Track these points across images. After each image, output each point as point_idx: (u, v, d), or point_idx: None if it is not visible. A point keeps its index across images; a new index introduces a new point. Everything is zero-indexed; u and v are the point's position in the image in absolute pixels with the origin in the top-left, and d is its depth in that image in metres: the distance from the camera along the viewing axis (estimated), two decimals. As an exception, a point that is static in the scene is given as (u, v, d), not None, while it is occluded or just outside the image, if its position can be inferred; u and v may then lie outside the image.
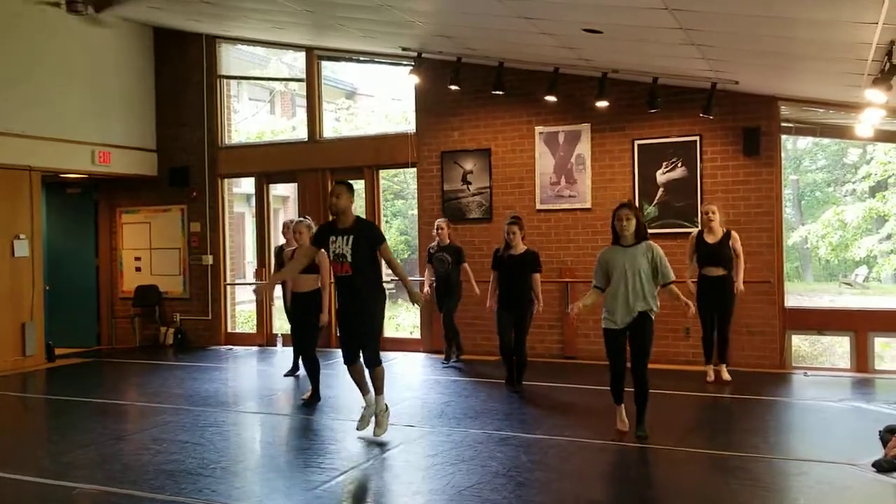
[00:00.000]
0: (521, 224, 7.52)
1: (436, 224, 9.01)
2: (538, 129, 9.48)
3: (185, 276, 11.51)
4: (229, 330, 11.50)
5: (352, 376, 5.89)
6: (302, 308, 7.30)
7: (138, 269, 11.71)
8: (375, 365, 5.78)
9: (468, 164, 9.81)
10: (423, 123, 10.10)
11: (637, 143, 9.04)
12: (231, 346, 11.07)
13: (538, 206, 9.49)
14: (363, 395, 5.92)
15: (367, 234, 5.69)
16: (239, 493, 4.79)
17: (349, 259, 5.59)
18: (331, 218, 5.87)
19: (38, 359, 9.90)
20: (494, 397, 7.36)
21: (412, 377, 8.59)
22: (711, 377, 7.70)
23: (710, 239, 7.58)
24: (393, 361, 9.49)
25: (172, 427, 6.47)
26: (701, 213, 7.88)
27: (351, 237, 5.62)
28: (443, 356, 9.23)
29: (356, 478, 5.08)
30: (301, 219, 7.57)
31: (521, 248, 7.39)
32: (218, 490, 4.81)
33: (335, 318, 6.41)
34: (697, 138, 8.77)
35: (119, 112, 11.00)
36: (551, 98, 8.86)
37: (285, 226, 8.57)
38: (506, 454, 5.43)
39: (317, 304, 7.22)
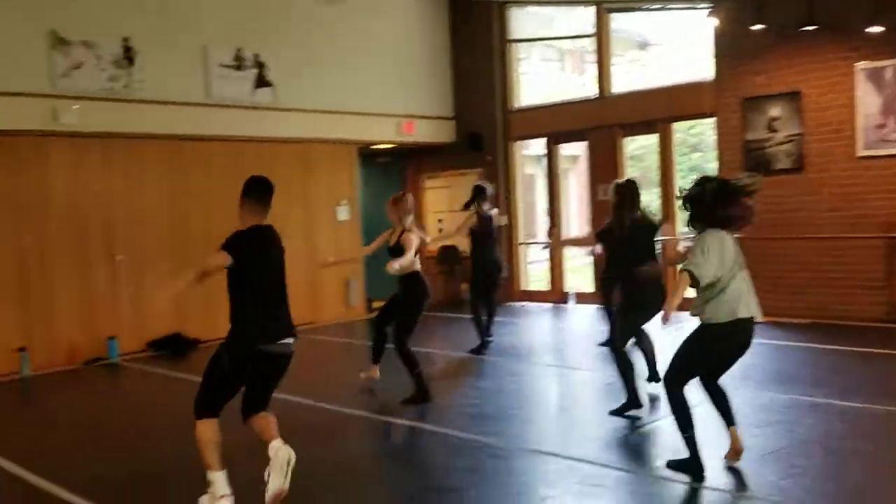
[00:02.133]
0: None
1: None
2: (859, 65, 8.38)
3: (482, 236, 12.09)
4: (523, 287, 11.91)
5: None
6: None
7: (440, 231, 12.56)
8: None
9: (774, 111, 9.01)
10: (723, 69, 9.45)
11: None
12: (525, 303, 11.46)
13: (859, 153, 8.44)
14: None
15: None
16: (536, 438, 5.01)
17: None
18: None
19: (360, 310, 11.12)
20: (805, 363, 6.81)
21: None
22: None
23: None
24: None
25: (473, 375, 6.90)
26: None
27: None
28: None
29: (651, 432, 5.02)
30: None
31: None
32: (516, 433, 5.06)
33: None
34: None
35: (420, 83, 11.80)
36: (875, 29, 7.78)
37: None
38: (816, 420, 5.00)
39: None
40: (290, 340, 4.13)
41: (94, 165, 8.61)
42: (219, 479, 3.95)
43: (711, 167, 10.46)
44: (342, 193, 10.96)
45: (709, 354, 4.23)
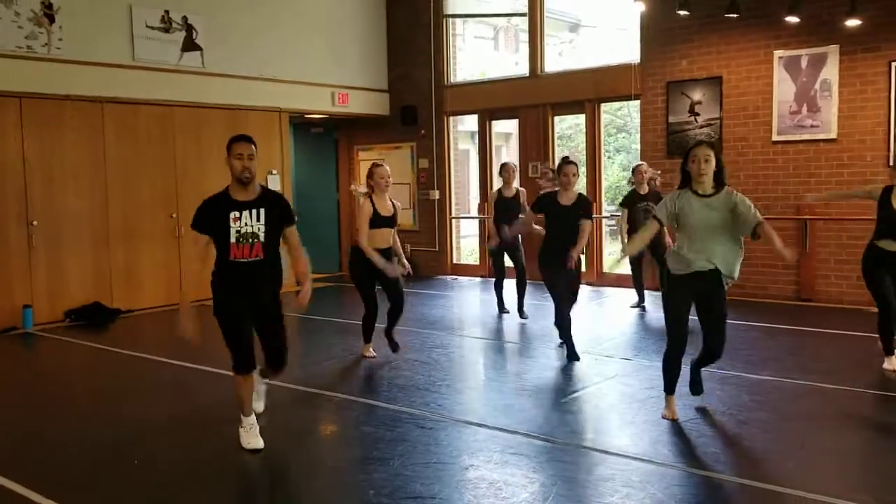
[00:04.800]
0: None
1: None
2: (777, 53, 8.74)
3: (414, 209, 12.18)
4: (454, 261, 12.05)
5: (242, 391, 4.45)
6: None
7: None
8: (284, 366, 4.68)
9: (696, 95, 9.32)
10: (649, 53, 9.70)
11: (895, 64, 8.06)
12: (456, 277, 11.61)
13: (774, 138, 8.83)
14: (250, 413, 4.51)
15: (281, 209, 4.37)
16: (462, 409, 5.13)
17: (262, 239, 4.24)
18: (235, 188, 4.30)
19: (290, 282, 11.01)
20: (718, 336, 7.13)
21: (632, 312, 8.50)
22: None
23: None
24: (608, 298, 9.47)
25: (405, 347, 6.99)
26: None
27: (262, 211, 4.26)
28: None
29: (571, 403, 5.21)
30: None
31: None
32: (443, 405, 5.17)
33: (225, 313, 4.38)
34: (973, 56, 7.65)
35: (355, 55, 11.70)
36: (793, 18, 8.12)
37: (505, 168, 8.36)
38: (726, 392, 5.28)
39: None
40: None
41: (9, 126, 8.27)
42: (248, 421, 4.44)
43: (636, 149, 10.74)
44: (273, 162, 10.82)
45: None
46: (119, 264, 9.15)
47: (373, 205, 6.22)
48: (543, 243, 6.32)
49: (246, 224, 4.22)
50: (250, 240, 4.22)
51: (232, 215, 4.20)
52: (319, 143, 12.93)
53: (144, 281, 9.37)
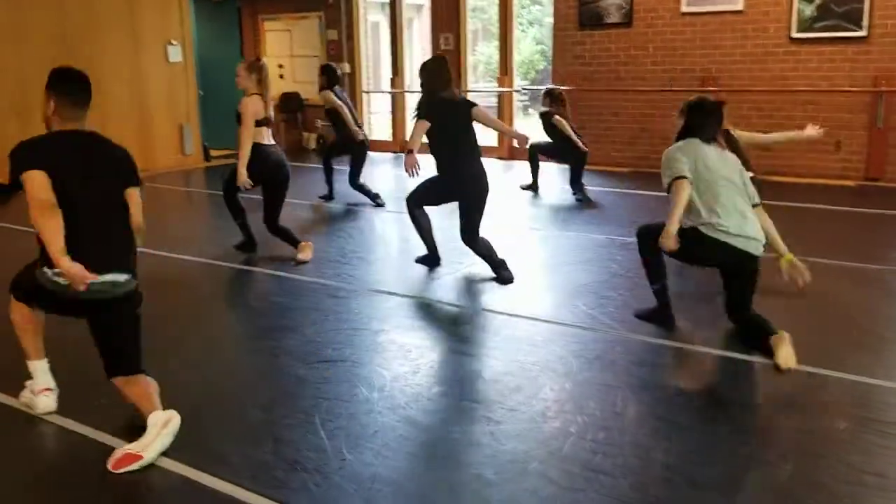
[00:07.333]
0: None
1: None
2: (688, -79, 8.66)
3: (324, 83, 11.81)
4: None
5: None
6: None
7: (281, 77, 12.13)
8: None
9: (609, -36, 9.20)
10: (563, -81, 9.44)
11: (801, -66, 8.14)
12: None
13: (683, 9, 8.88)
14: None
15: None
16: (373, 279, 5.23)
17: None
18: None
19: (197, 158, 10.73)
20: (622, 207, 7.40)
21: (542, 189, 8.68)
22: None
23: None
24: (515, 171, 9.61)
25: (315, 220, 6.99)
26: None
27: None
28: None
29: (478, 273, 5.37)
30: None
31: None
32: (355, 275, 5.26)
33: None
34: (874, -73, 7.78)
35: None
36: None
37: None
38: (626, 258, 5.53)
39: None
40: (113, 277, 3.03)
41: None
42: (38, 370, 3.31)
43: (549, 22, 10.62)
44: (173, 32, 10.24)
45: None
46: (9, 141, 8.65)
47: None
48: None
49: None
50: None
51: None
52: (221, 13, 12.25)
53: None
